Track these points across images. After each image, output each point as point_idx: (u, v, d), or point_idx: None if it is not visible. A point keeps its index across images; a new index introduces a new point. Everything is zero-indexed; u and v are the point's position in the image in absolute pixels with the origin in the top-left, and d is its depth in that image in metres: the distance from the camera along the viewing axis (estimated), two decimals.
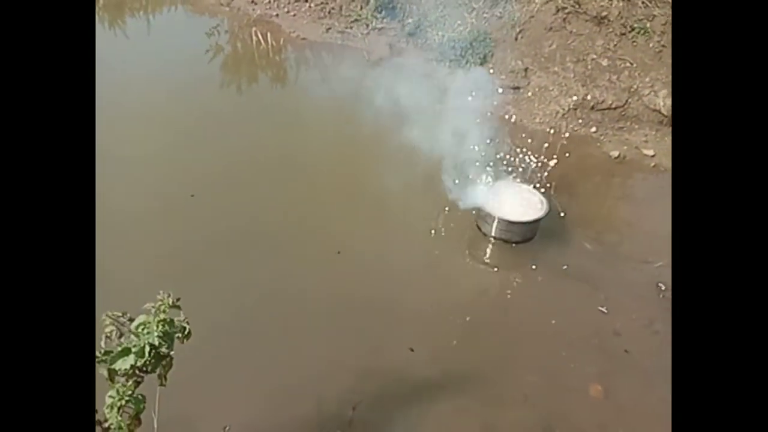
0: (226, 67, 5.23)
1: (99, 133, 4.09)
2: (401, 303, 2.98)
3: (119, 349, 1.10)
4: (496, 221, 3.24)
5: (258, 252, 3.19)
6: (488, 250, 3.40)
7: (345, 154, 4.04)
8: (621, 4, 4.33)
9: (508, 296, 3.14)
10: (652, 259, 3.33)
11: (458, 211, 3.49)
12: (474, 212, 3.40)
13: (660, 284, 3.19)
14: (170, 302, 1.16)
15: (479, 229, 3.39)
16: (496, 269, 3.31)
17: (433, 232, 3.41)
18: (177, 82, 4.75)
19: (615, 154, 4.12)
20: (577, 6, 4.44)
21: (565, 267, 3.26)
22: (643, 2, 4.29)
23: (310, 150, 4.02)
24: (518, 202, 3.34)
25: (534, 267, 3.27)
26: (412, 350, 2.69)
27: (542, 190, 3.57)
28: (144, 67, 5.03)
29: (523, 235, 3.31)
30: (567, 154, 4.13)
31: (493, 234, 3.30)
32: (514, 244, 3.33)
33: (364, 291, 3.00)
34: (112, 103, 4.33)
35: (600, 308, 3.03)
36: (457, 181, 3.53)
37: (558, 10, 4.51)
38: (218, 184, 3.66)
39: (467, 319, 2.95)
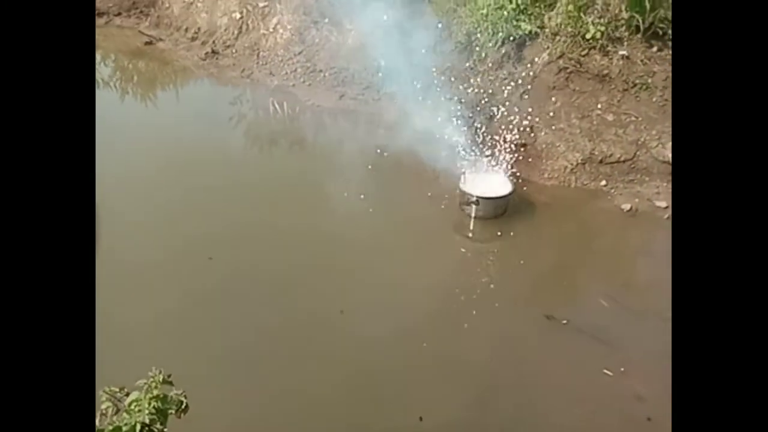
0: (247, 133, 5.53)
1: (125, 194, 4.32)
2: (409, 363, 2.93)
3: (110, 428, 1.14)
4: (474, 200, 3.99)
5: (264, 311, 3.23)
6: (499, 312, 3.36)
7: (358, 215, 4.14)
8: (621, 62, 4.46)
9: (522, 357, 3.06)
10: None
11: (471, 274, 3.49)
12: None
13: None
14: (161, 378, 1.20)
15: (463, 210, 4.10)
16: (508, 328, 3.25)
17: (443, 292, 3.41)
18: (199, 147, 5.02)
19: (627, 207, 4.10)
20: (578, 66, 4.59)
21: (564, 322, 3.18)
22: (642, 60, 4.41)
23: (320, 212, 4.14)
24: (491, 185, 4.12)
25: (548, 321, 3.20)
26: (421, 419, 2.63)
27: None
28: (171, 135, 5.36)
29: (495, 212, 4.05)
30: (577, 209, 4.14)
31: (473, 214, 4.03)
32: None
33: (368, 353, 2.98)
34: (139, 167, 4.61)
35: (605, 371, 2.91)
36: (470, 234, 3.57)
37: (560, 70, 4.66)
38: (235, 246, 3.78)
39: (479, 380, 2.88)
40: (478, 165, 4.23)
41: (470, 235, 4.10)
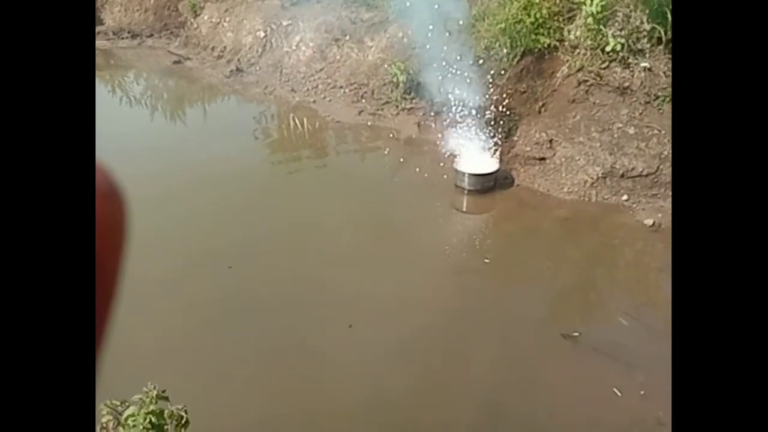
0: (270, 148, 5.66)
1: (149, 207, 4.41)
2: (416, 383, 2.91)
3: None
4: (466, 176, 4.40)
5: (276, 322, 3.27)
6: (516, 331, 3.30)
7: (377, 230, 4.16)
8: (643, 74, 4.37)
9: (535, 376, 2.99)
10: None
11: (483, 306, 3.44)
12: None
13: None
14: (155, 394, 1.24)
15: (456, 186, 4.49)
16: (523, 346, 3.19)
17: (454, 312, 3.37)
18: (224, 162, 5.16)
19: (649, 222, 3.98)
20: (598, 78, 4.53)
21: (576, 334, 3.10)
22: (664, 72, 4.31)
23: (337, 225, 4.18)
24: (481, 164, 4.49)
25: (564, 339, 3.13)
26: None
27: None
28: (198, 150, 5.53)
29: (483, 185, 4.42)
30: (597, 224, 4.05)
31: (465, 185, 4.43)
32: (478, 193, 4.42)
33: (375, 366, 2.97)
34: (166, 181, 4.77)
35: (614, 390, 2.81)
36: (487, 260, 3.55)
37: (579, 83, 4.60)
38: (253, 254, 3.84)
39: (489, 399, 2.82)
40: (472, 148, 4.61)
41: (464, 210, 4.45)
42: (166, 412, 1.26)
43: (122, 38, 8.13)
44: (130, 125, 6.36)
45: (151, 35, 8.19)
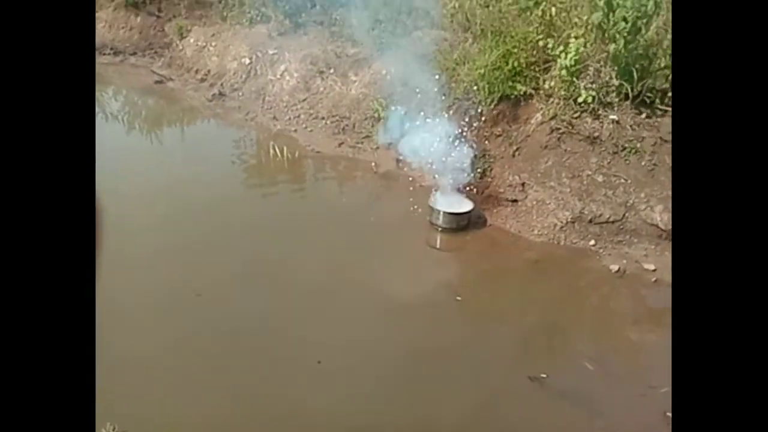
0: (247, 174, 5.64)
1: (119, 229, 4.33)
2: (382, 424, 2.88)
3: None
4: (441, 214, 4.51)
5: (243, 358, 3.20)
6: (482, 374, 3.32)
7: (349, 264, 4.16)
8: (611, 126, 4.60)
9: (499, 421, 2.99)
10: (657, 384, 3.17)
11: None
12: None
13: (667, 413, 3.00)
14: None
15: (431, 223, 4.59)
16: (487, 388, 3.20)
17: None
18: (199, 186, 5.11)
19: (615, 268, 4.12)
20: (570, 127, 4.74)
21: (544, 376, 3.14)
22: (631, 126, 4.56)
23: (311, 257, 4.17)
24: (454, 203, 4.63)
25: (530, 382, 3.16)
26: None
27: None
28: (173, 171, 5.47)
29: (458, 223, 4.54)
30: (565, 267, 4.16)
31: (439, 223, 4.52)
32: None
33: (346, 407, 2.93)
34: (137, 200, 4.68)
35: None
36: (459, 298, 3.59)
37: (552, 131, 4.81)
38: (225, 284, 3.78)
39: None
40: (448, 187, 4.72)
41: (437, 247, 4.50)
42: None
43: (104, 54, 8.08)
44: (104, 140, 6.25)
45: (135, 53, 8.17)
